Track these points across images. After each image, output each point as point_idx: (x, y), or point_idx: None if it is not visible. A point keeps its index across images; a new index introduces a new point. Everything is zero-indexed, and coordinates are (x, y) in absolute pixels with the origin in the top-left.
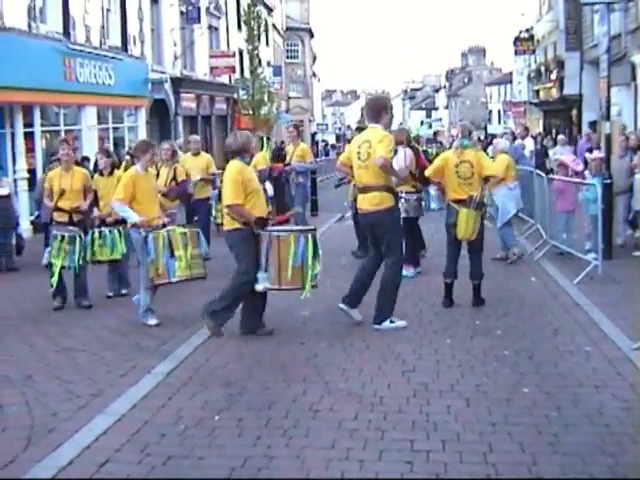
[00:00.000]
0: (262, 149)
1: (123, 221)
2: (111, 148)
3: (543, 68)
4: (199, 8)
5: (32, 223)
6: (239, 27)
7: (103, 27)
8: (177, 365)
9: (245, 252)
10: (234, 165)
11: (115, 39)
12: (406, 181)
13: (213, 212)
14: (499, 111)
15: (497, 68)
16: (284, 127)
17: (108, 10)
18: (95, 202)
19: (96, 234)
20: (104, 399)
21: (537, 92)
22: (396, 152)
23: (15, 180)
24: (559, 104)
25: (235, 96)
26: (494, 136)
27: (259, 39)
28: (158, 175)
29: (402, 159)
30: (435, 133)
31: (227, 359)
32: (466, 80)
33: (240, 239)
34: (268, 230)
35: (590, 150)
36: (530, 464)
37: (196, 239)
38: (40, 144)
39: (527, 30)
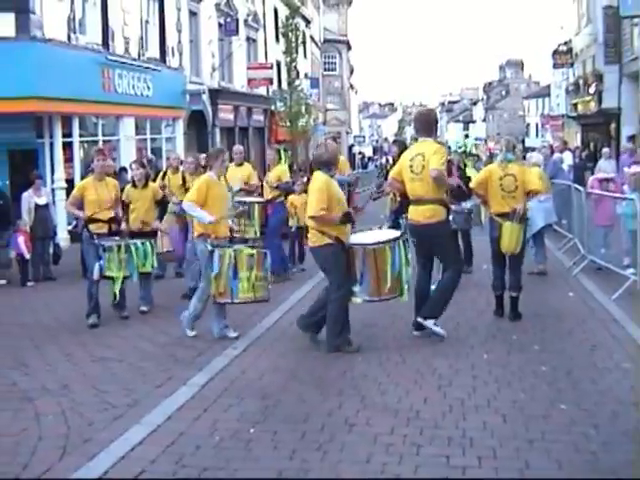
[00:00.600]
0: (280, 161)
1: (151, 234)
2: (153, 159)
3: (581, 81)
4: (237, 20)
5: (69, 233)
6: (277, 39)
7: (142, 38)
8: (213, 377)
9: (337, 267)
10: (321, 176)
11: (154, 50)
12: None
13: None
14: (537, 124)
15: (535, 81)
16: (321, 139)
17: (147, 22)
18: (125, 214)
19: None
20: (140, 410)
21: (575, 105)
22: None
23: (53, 190)
24: (597, 118)
25: (272, 108)
26: (532, 149)
27: (297, 51)
28: (187, 188)
29: None
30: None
31: (263, 371)
32: (504, 93)
33: (331, 254)
34: (362, 244)
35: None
36: None
37: (262, 261)
38: (78, 154)
39: (565, 43)
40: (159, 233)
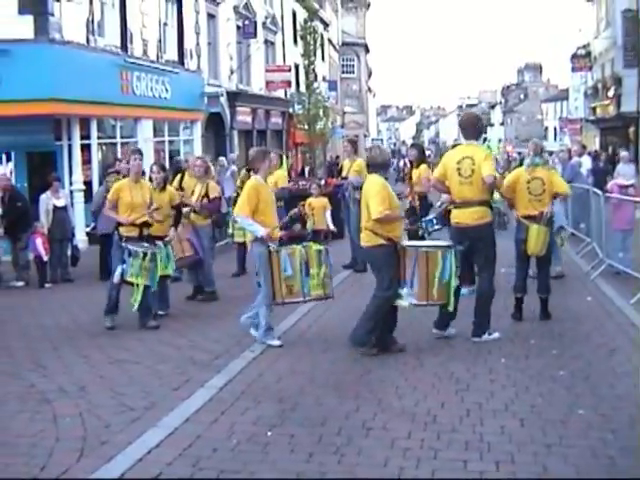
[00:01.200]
0: (281, 167)
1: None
2: (181, 160)
3: (600, 85)
4: (255, 23)
5: (88, 235)
6: (295, 42)
7: (160, 41)
8: (230, 379)
9: (388, 268)
10: (377, 179)
11: (172, 53)
12: None
13: (229, 229)
14: (555, 128)
15: (553, 85)
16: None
17: (165, 24)
18: None
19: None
20: (157, 412)
21: (594, 109)
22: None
23: (71, 192)
24: (616, 121)
25: (290, 110)
26: (550, 153)
27: (315, 54)
28: (193, 192)
29: None
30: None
31: (280, 374)
32: (522, 96)
33: (383, 255)
34: (416, 245)
35: None
36: None
37: (327, 256)
38: (96, 156)
39: (584, 47)
40: (175, 237)
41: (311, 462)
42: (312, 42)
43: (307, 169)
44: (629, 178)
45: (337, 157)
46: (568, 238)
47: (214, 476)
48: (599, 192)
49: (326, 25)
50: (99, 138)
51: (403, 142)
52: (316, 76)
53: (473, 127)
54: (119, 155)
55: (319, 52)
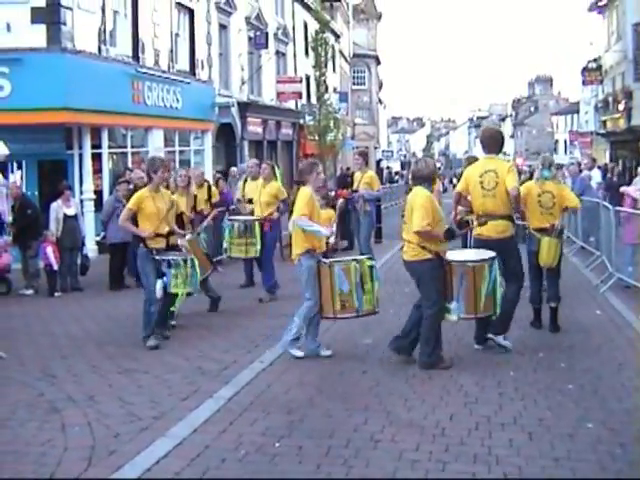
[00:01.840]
0: (274, 178)
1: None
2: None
3: (611, 98)
4: (267, 34)
5: (97, 244)
6: (306, 53)
7: (172, 51)
8: (239, 390)
9: (436, 283)
10: (423, 192)
11: (183, 63)
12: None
13: (224, 243)
14: (565, 141)
15: (564, 98)
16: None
17: (177, 35)
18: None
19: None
20: (165, 422)
21: (604, 123)
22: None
23: (82, 201)
24: (626, 135)
25: (301, 122)
26: (560, 166)
27: (326, 65)
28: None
29: None
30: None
31: (289, 386)
32: (532, 109)
33: (430, 269)
34: (462, 261)
35: None
36: None
37: (377, 272)
38: (107, 165)
39: (595, 60)
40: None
41: (319, 474)
42: (323, 53)
43: None
44: None
45: (347, 169)
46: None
47: None
48: (609, 206)
49: (337, 37)
50: (110, 147)
51: (413, 154)
52: (327, 87)
53: (495, 141)
54: (130, 164)
55: (330, 63)
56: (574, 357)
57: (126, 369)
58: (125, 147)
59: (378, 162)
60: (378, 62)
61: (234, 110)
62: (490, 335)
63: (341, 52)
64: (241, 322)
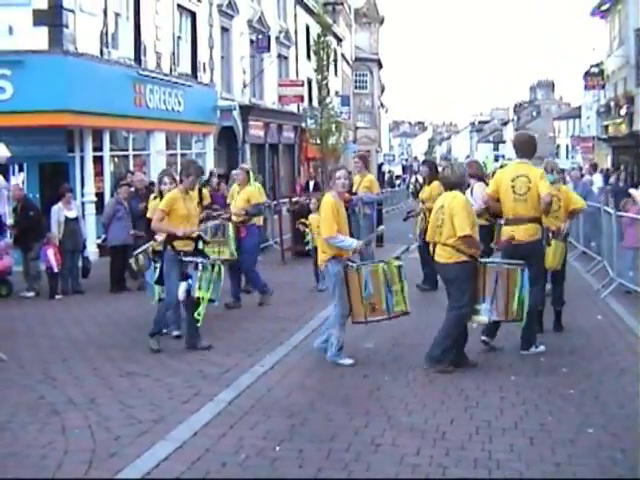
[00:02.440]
0: (249, 182)
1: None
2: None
3: (613, 103)
4: (269, 37)
5: (99, 246)
6: (308, 57)
7: (174, 54)
8: (239, 393)
9: (468, 285)
10: (461, 196)
11: (185, 66)
12: (481, 214)
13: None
14: (567, 146)
15: (566, 102)
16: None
17: (179, 37)
18: (152, 231)
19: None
20: (166, 425)
21: (606, 127)
22: (468, 185)
23: (83, 203)
24: (628, 140)
25: (303, 125)
26: (562, 170)
27: (328, 69)
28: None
29: (480, 194)
30: (501, 167)
31: (290, 389)
32: (534, 114)
33: (464, 271)
34: (497, 262)
35: None
36: None
37: (404, 273)
38: (109, 168)
39: (597, 65)
40: None
41: (320, 477)
42: (325, 57)
43: (312, 183)
44: None
45: (349, 172)
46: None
47: None
48: (611, 210)
49: (339, 40)
50: (111, 150)
51: (415, 158)
52: (329, 91)
53: (528, 146)
54: (131, 167)
55: (332, 67)
56: (575, 362)
57: (127, 372)
58: (127, 150)
59: (380, 166)
60: (380, 66)
61: (236, 113)
62: (524, 353)
63: (343, 56)
64: (242, 326)
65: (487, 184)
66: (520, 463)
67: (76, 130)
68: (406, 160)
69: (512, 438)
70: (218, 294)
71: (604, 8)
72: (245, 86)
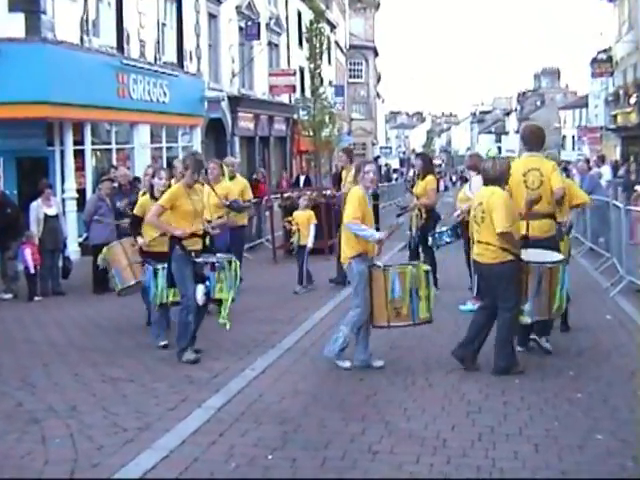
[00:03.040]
0: (223, 177)
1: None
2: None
3: (622, 91)
4: (259, 24)
5: (80, 245)
6: (300, 44)
7: (158, 42)
8: (229, 399)
9: (516, 285)
10: (501, 192)
11: (171, 55)
12: None
13: None
14: (573, 137)
15: (572, 91)
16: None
17: (164, 24)
18: (138, 230)
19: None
20: (152, 433)
21: (615, 117)
22: (466, 180)
23: (63, 200)
24: (638, 130)
25: (295, 117)
26: (568, 162)
27: (321, 57)
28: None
29: (478, 188)
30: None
31: (282, 394)
32: (539, 103)
33: (511, 271)
34: (539, 262)
35: None
36: None
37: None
38: (90, 163)
39: (605, 51)
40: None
41: None
42: (318, 45)
43: (302, 178)
44: None
45: (342, 167)
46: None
47: None
48: (620, 205)
49: (333, 27)
50: (93, 144)
51: (413, 150)
52: (322, 80)
53: (536, 138)
54: (114, 162)
55: (325, 55)
56: (583, 364)
57: (110, 377)
58: (109, 143)
59: (376, 159)
60: (376, 54)
61: (224, 104)
62: (534, 336)
63: (337, 43)
64: (232, 327)
65: None
66: (525, 471)
67: (56, 122)
68: (403, 153)
69: (516, 445)
70: (236, 292)
71: None
72: (234, 76)
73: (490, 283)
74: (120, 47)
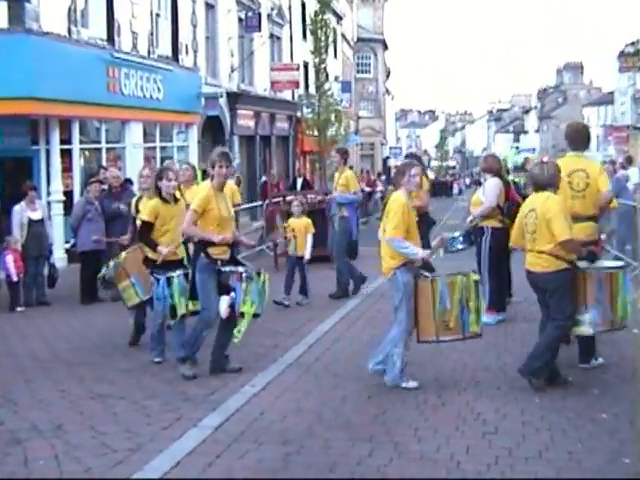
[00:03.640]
0: (196, 181)
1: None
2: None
3: None
4: (260, 14)
5: (67, 252)
6: (304, 37)
7: (152, 34)
8: (228, 418)
9: (571, 294)
10: (555, 197)
11: (165, 48)
12: (492, 215)
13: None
14: (598, 136)
15: (596, 87)
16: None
17: (158, 15)
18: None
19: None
20: (144, 455)
21: None
22: (480, 183)
23: (49, 203)
24: None
25: (298, 114)
26: None
27: (327, 51)
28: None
29: (491, 191)
30: (525, 160)
31: (284, 413)
32: (560, 100)
33: (567, 280)
34: (597, 268)
35: None
36: None
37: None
38: (78, 163)
39: (633, 43)
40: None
41: None
42: (323, 37)
43: (300, 181)
44: None
45: (351, 167)
46: None
47: None
48: None
49: (340, 18)
50: (81, 142)
51: (425, 151)
52: (327, 76)
53: (582, 136)
54: (104, 162)
55: (331, 49)
56: (608, 382)
57: (99, 394)
58: (99, 142)
59: (385, 160)
60: (385, 47)
61: (223, 101)
62: (583, 365)
63: (344, 36)
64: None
65: (504, 180)
66: None
67: (41, 120)
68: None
69: (536, 468)
70: (263, 308)
71: None
72: (233, 70)
73: (542, 293)
74: (111, 39)
